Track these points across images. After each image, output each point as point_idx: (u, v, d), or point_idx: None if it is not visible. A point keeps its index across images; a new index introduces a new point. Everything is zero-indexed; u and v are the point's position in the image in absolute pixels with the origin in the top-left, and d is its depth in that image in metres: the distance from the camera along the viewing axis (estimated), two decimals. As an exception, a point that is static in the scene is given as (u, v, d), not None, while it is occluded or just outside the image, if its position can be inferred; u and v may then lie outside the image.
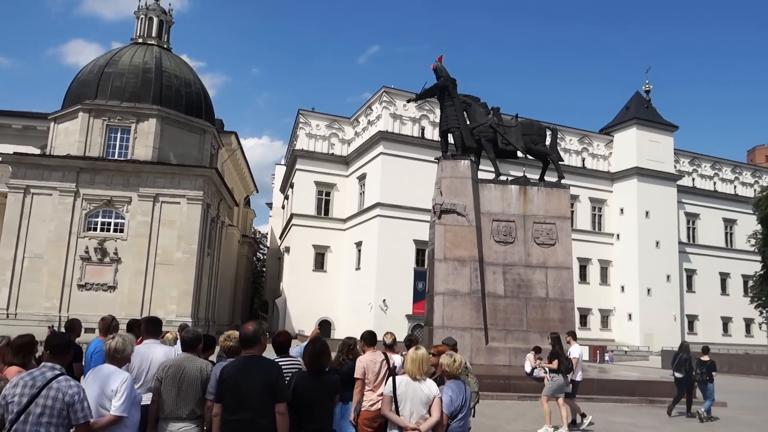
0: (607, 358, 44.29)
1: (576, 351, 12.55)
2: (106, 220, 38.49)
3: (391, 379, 5.18)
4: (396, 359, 7.19)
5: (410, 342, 8.09)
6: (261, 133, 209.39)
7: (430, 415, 4.97)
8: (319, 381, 4.61)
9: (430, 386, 5.02)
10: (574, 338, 12.99)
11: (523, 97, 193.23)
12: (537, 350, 16.75)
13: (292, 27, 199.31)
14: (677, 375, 14.37)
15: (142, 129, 39.21)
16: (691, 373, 14.22)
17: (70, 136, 39.19)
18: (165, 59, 41.88)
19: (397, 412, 4.98)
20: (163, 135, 39.50)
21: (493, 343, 18.47)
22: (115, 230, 38.40)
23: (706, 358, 14.43)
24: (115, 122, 39.19)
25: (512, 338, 18.66)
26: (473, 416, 7.07)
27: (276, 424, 4.24)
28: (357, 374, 6.35)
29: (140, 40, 43.37)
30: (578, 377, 12.49)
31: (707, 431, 12.37)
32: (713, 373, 14.15)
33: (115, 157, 38.95)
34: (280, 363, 5.80)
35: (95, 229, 38.16)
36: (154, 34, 43.81)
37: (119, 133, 39.31)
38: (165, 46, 44.03)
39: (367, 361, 6.43)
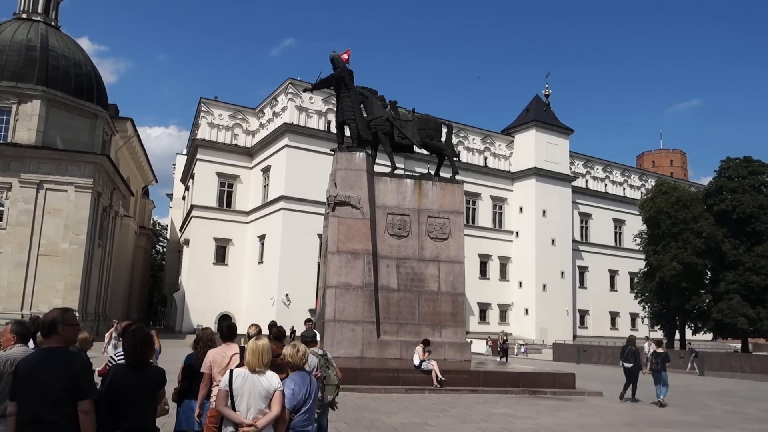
0: (523, 350, 45.94)
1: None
2: (-18, 207, 35.58)
3: (228, 372, 4.82)
4: None
5: (279, 333, 7.77)
6: (168, 122, 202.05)
7: (270, 409, 4.65)
8: (139, 375, 4.18)
9: (270, 379, 4.69)
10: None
11: (429, 96, 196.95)
12: (426, 343, 16.96)
13: (202, 14, 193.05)
14: (626, 365, 16.48)
15: (24, 111, 36.37)
16: (639, 362, 16.49)
17: (-60, 116, 35.85)
18: (52, 37, 38.97)
19: (234, 408, 4.62)
20: (48, 118, 36.82)
21: (385, 337, 18.46)
22: (-8, 218, 35.55)
23: (660, 350, 16.47)
24: (-7, 102, 36.20)
25: (404, 331, 18.72)
26: (335, 409, 6.84)
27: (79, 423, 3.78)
28: (203, 368, 5.97)
29: (24, 16, 40.17)
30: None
31: (577, 419, 12.79)
32: (666, 364, 16.14)
33: (-7, 140, 36.01)
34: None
35: (-31, 217, 35.21)
36: (39, 10, 40.59)
37: (-2, 114, 36.36)
38: (52, 23, 40.98)
39: (215, 354, 6.04)
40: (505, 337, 35.63)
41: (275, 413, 4.60)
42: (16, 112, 36.30)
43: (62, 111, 37.75)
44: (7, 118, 36.23)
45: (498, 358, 33.42)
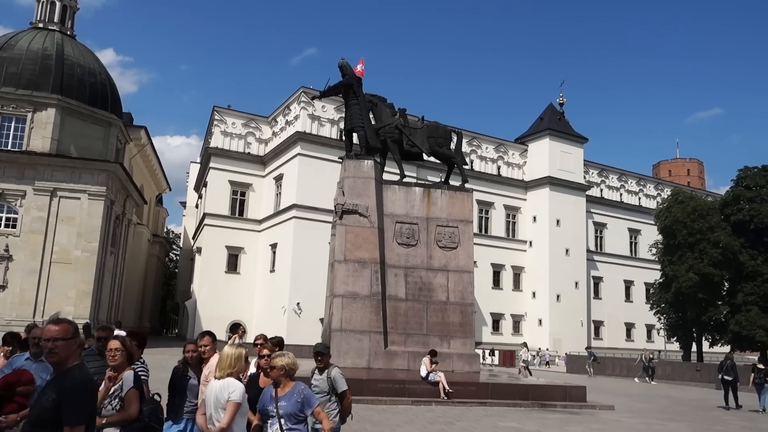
0: (564, 361, 45.29)
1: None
2: (-4, 214, 35.89)
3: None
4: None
5: (280, 345, 7.58)
6: (188, 131, 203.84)
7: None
8: None
9: (225, 387, 4.54)
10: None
11: (444, 104, 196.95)
12: (433, 354, 16.70)
13: (226, 24, 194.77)
14: (726, 377, 18.90)
15: (39, 119, 36.71)
16: (737, 375, 18.91)
17: (-43, 123, 36.28)
18: (67, 46, 39.36)
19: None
20: (63, 126, 37.13)
21: (393, 347, 18.19)
22: (6, 225, 35.83)
23: (761, 365, 18.59)
24: (9, 110, 36.47)
25: (412, 342, 18.44)
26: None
27: None
28: (203, 380, 5.80)
29: (40, 25, 40.62)
30: None
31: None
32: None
33: (9, 148, 36.33)
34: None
35: (-17, 224, 35.52)
36: (56, 20, 41.05)
37: (14, 122, 36.59)
38: (68, 32, 41.38)
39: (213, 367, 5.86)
40: (651, 355, 34.19)
41: (220, 425, 4.47)
42: (32, 120, 36.63)
43: (76, 119, 38.04)
44: (23, 126, 36.56)
45: (639, 379, 33.40)
